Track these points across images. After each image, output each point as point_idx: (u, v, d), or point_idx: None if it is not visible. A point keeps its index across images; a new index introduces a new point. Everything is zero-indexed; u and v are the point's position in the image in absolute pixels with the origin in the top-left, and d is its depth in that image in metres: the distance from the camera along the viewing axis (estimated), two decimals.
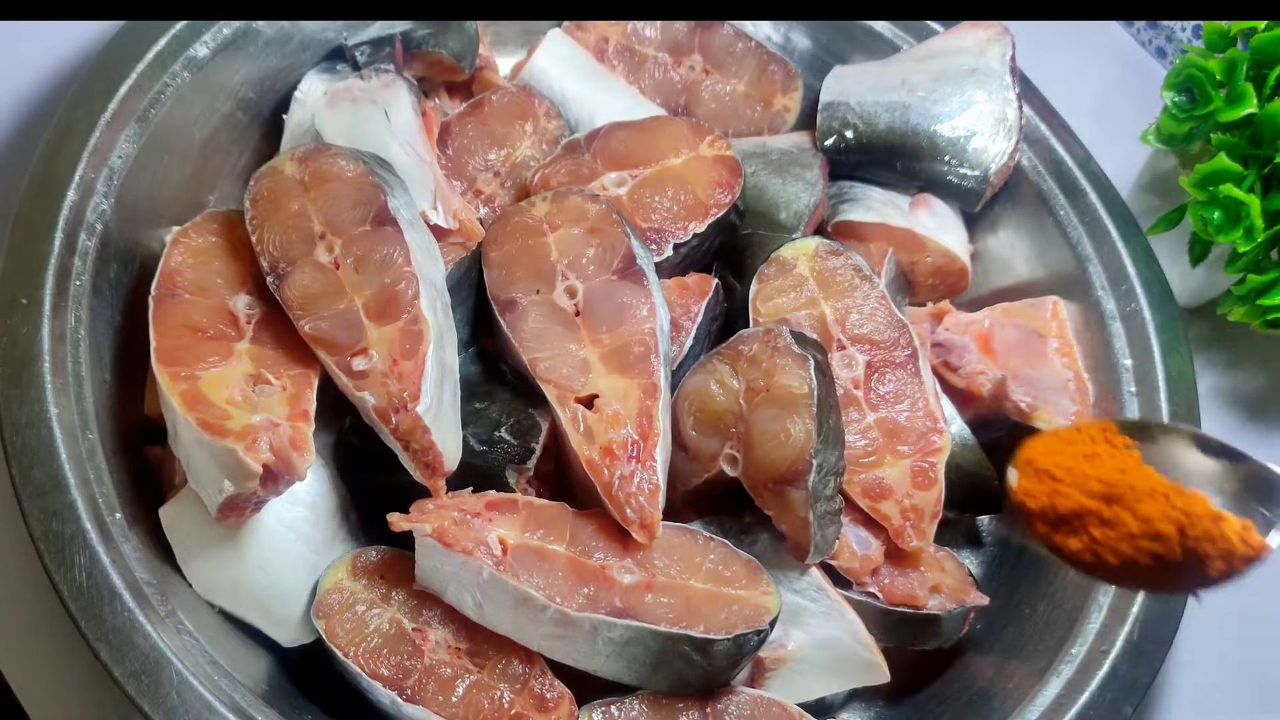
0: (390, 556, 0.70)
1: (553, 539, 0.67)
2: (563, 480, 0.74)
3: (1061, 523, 0.50)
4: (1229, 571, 0.49)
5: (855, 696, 0.78)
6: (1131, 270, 0.85)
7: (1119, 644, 0.72)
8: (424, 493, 0.68)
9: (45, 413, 0.63)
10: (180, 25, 0.75)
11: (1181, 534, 0.48)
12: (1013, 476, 0.56)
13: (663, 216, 0.79)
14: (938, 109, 0.87)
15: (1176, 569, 0.48)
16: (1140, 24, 1.14)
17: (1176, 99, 0.91)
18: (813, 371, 0.69)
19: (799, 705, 0.70)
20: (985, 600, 0.76)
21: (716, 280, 0.79)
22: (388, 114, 0.79)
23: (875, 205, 0.88)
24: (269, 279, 0.69)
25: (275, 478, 0.63)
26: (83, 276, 0.68)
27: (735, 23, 0.93)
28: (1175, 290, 0.86)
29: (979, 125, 0.87)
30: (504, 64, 0.92)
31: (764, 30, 0.95)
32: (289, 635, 0.68)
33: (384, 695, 0.64)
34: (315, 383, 0.68)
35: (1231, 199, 0.85)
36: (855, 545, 0.73)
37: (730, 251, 0.83)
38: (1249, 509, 0.50)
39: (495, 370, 0.75)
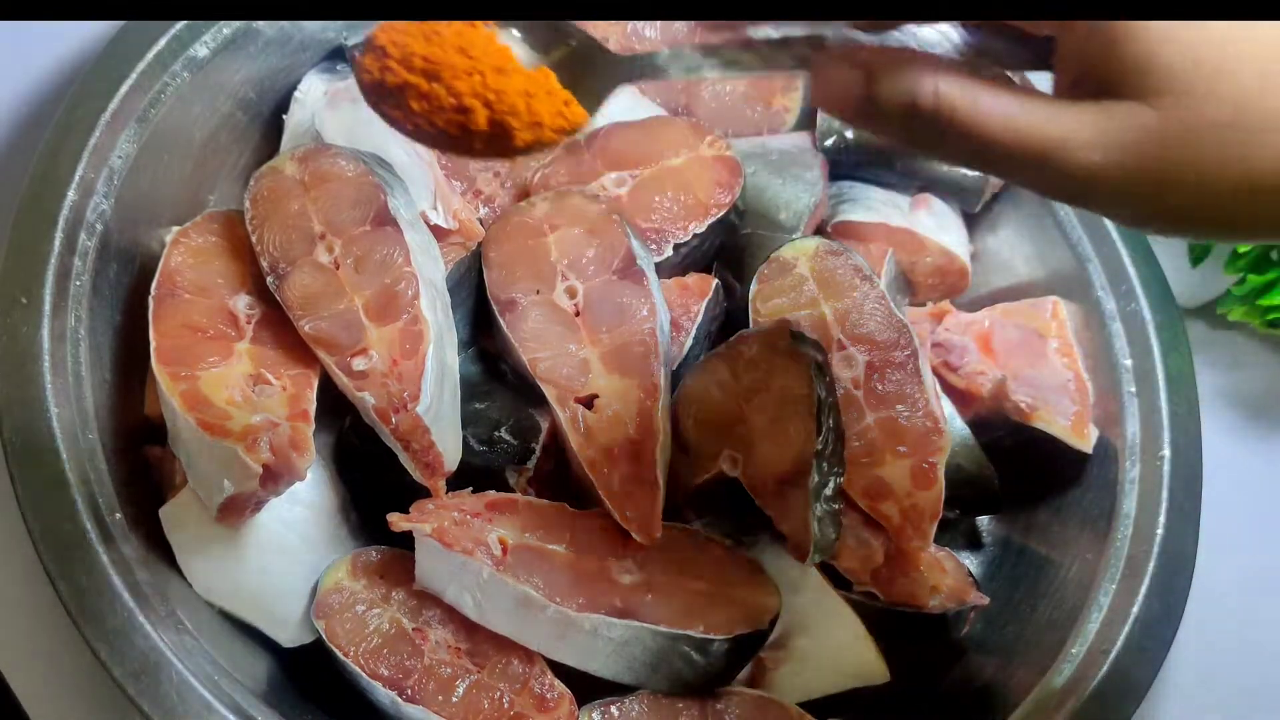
0: (390, 556, 0.70)
1: (553, 539, 0.67)
2: (563, 480, 0.74)
3: (389, 95, 0.52)
4: (538, 141, 0.52)
5: (855, 696, 0.78)
6: (1131, 270, 0.85)
7: (1119, 644, 0.72)
8: (424, 493, 0.68)
9: (45, 413, 0.63)
10: (180, 25, 0.75)
11: (489, 109, 0.51)
12: (357, 50, 0.58)
13: (663, 216, 0.79)
14: None
15: (485, 138, 0.52)
16: None
17: None
18: (813, 371, 0.69)
19: (799, 705, 0.70)
20: (985, 600, 0.76)
21: (716, 280, 0.79)
22: None
23: (875, 205, 0.88)
24: (269, 279, 0.69)
25: (275, 478, 0.63)
26: (83, 276, 0.68)
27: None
28: (1175, 290, 0.86)
29: None
30: None
31: (764, 30, 0.95)
32: (289, 635, 0.68)
33: (384, 695, 0.64)
34: (315, 383, 0.68)
35: None
36: (855, 545, 0.73)
37: (730, 251, 0.83)
38: (578, 84, 0.53)
39: (495, 370, 0.75)
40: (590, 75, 0.54)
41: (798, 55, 0.52)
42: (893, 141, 0.49)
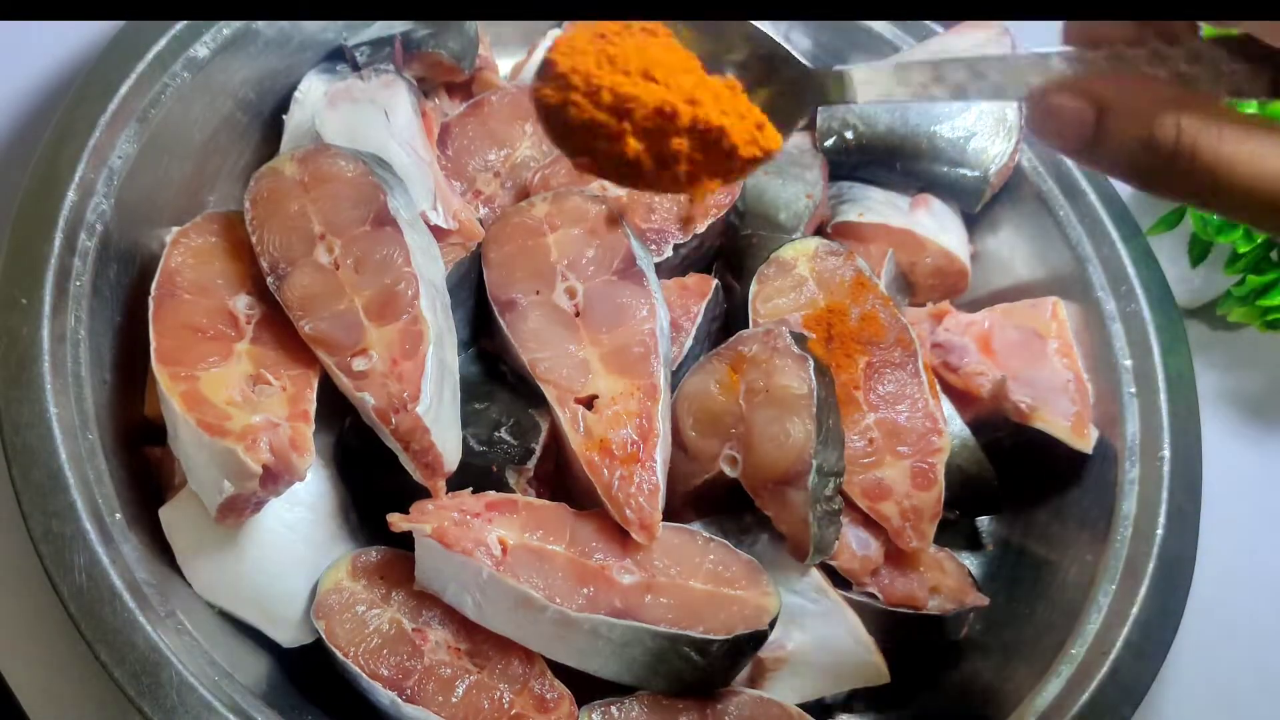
0: (390, 556, 0.70)
1: (552, 539, 0.67)
2: (563, 480, 0.74)
3: (571, 132, 0.48)
4: (732, 174, 0.49)
5: (855, 696, 0.78)
6: (1131, 270, 0.85)
7: (1119, 644, 0.72)
8: (424, 493, 0.67)
9: (45, 413, 0.63)
10: (180, 25, 0.75)
11: (683, 148, 0.47)
12: (539, 79, 0.52)
13: (663, 216, 0.79)
14: (938, 109, 0.87)
15: (674, 177, 0.48)
16: None
17: None
18: (812, 372, 0.69)
19: (799, 705, 0.70)
20: (985, 601, 0.76)
21: (716, 280, 0.79)
22: (388, 114, 0.79)
23: (875, 205, 0.88)
24: (269, 279, 0.69)
25: (275, 478, 0.63)
26: (83, 276, 0.68)
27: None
28: (1175, 290, 0.86)
29: (979, 125, 0.87)
30: (504, 64, 0.92)
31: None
32: (289, 635, 0.68)
33: (384, 696, 0.64)
34: (315, 383, 0.68)
35: None
36: (855, 546, 0.73)
37: (730, 251, 0.83)
38: (774, 106, 0.49)
39: (495, 370, 0.75)
40: (787, 97, 0.50)
41: (1025, 83, 0.48)
42: (1121, 178, 0.45)
